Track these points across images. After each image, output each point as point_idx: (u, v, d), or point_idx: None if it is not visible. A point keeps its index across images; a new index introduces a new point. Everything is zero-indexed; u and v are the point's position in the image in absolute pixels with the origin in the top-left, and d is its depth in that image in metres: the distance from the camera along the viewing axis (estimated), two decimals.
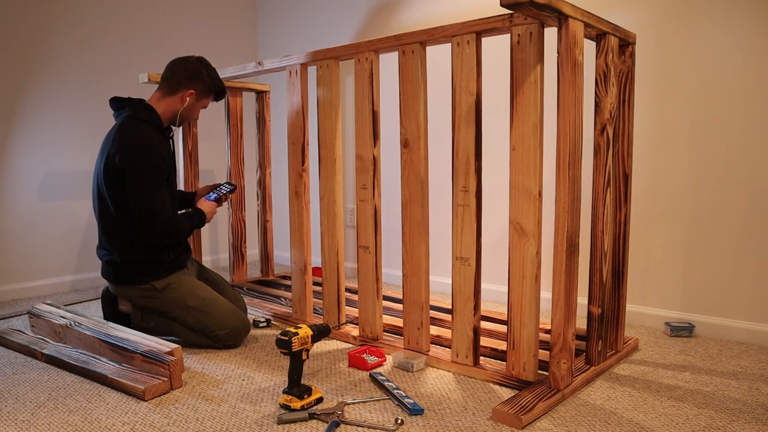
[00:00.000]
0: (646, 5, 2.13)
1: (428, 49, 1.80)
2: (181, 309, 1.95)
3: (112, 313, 2.09)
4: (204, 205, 2.11)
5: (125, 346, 1.74)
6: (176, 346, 1.70)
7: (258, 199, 2.95)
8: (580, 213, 1.53)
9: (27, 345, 1.94)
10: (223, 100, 2.86)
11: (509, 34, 1.55)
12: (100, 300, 2.65)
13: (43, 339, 2.00)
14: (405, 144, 1.81)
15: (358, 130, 1.93)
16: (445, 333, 1.99)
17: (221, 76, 2.42)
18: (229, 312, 1.99)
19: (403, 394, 1.55)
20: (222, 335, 1.95)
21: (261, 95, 2.91)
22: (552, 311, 1.52)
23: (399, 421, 1.41)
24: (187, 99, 2.04)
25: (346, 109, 3.14)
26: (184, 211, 2.14)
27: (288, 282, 2.86)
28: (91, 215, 2.96)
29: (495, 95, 2.50)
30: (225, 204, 3.28)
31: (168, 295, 1.96)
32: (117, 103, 2.03)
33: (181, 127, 2.60)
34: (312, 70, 3.15)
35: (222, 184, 2.25)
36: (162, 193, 1.93)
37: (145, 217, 1.89)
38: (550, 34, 2.23)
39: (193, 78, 2.04)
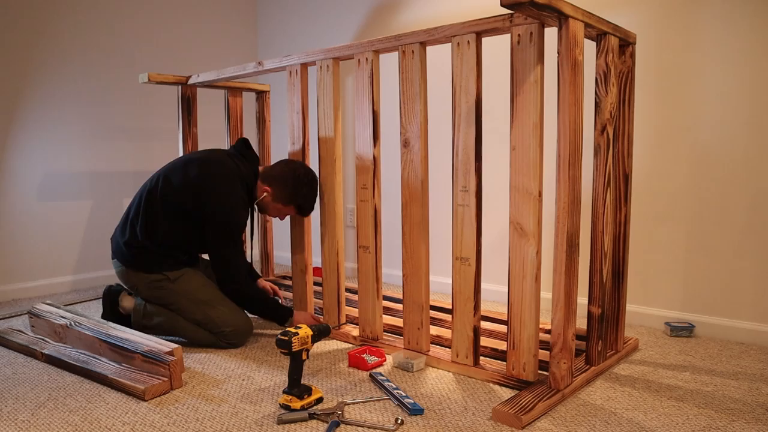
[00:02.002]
0: (646, 5, 2.13)
1: (428, 49, 1.79)
2: (190, 301, 1.97)
3: (111, 312, 2.09)
4: (301, 315, 2.07)
5: (125, 346, 1.74)
6: (176, 346, 1.70)
7: None
8: (580, 213, 1.53)
9: (27, 345, 1.94)
10: (223, 100, 2.85)
11: (509, 34, 1.55)
12: (100, 300, 2.66)
13: (43, 339, 2.00)
14: (405, 144, 1.81)
15: (358, 130, 1.93)
16: (445, 333, 1.99)
17: (221, 76, 2.42)
18: (236, 311, 2.01)
19: (403, 394, 1.55)
20: (227, 332, 1.96)
21: (261, 95, 2.91)
22: (552, 311, 1.52)
23: (399, 421, 1.41)
24: (264, 194, 2.05)
25: (346, 109, 3.13)
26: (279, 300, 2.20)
27: (288, 282, 2.86)
28: (91, 215, 2.96)
29: (495, 95, 2.50)
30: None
31: (179, 286, 1.98)
32: (244, 149, 2.10)
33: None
34: (312, 70, 3.15)
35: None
36: (236, 245, 1.98)
37: (217, 259, 1.96)
38: (550, 34, 2.23)
39: (280, 180, 2.02)
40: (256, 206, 2.11)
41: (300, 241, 2.17)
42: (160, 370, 1.64)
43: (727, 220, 2.03)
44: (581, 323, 2.18)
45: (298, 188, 2.02)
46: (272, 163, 2.10)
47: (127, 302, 2.08)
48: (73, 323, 1.94)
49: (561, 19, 1.43)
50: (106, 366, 1.73)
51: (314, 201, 2.08)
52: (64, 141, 2.84)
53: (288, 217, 2.23)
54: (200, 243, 2.02)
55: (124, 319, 2.08)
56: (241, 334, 1.98)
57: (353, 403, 1.53)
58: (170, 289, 1.98)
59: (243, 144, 2.12)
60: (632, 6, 2.16)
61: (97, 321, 1.97)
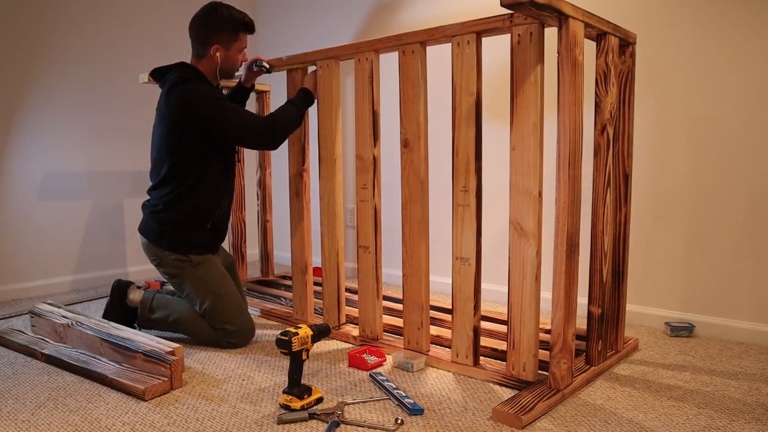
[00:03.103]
0: (646, 5, 2.13)
1: (428, 49, 1.80)
2: (204, 290, 1.96)
3: (119, 304, 2.10)
4: (306, 80, 2.06)
5: (127, 345, 1.74)
6: (177, 345, 1.70)
7: (258, 199, 2.95)
8: (580, 213, 1.53)
9: (27, 345, 1.94)
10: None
11: (509, 34, 1.55)
12: (100, 299, 2.66)
13: (43, 339, 2.00)
14: (405, 144, 1.81)
15: (358, 130, 1.93)
16: (445, 333, 1.99)
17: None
18: (242, 312, 2.00)
19: (403, 394, 1.55)
20: (229, 331, 1.96)
21: (261, 95, 2.91)
22: (552, 311, 1.52)
23: (399, 421, 1.41)
24: (217, 54, 1.97)
25: (346, 109, 3.13)
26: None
27: (288, 282, 2.86)
28: (91, 215, 2.96)
29: (495, 95, 2.50)
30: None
31: (199, 271, 1.98)
32: (159, 71, 2.02)
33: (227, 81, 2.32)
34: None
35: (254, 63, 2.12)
36: (238, 109, 1.91)
37: (244, 136, 1.90)
38: (550, 34, 2.23)
39: (210, 28, 1.95)
40: (222, 77, 2.03)
41: (300, 241, 2.17)
42: (161, 369, 1.64)
43: (726, 220, 2.03)
44: (581, 323, 2.18)
45: (228, 15, 1.96)
46: (191, 42, 2.03)
47: (135, 295, 2.10)
48: (74, 323, 1.94)
49: (561, 19, 1.43)
50: (106, 366, 1.73)
51: (241, 11, 2.01)
52: (64, 141, 2.84)
53: (288, 216, 2.23)
54: (222, 151, 1.98)
55: (127, 316, 2.09)
56: (243, 335, 1.98)
57: (353, 403, 1.54)
58: (189, 272, 1.97)
59: (158, 72, 2.05)
60: (632, 6, 2.16)
61: (99, 320, 1.97)
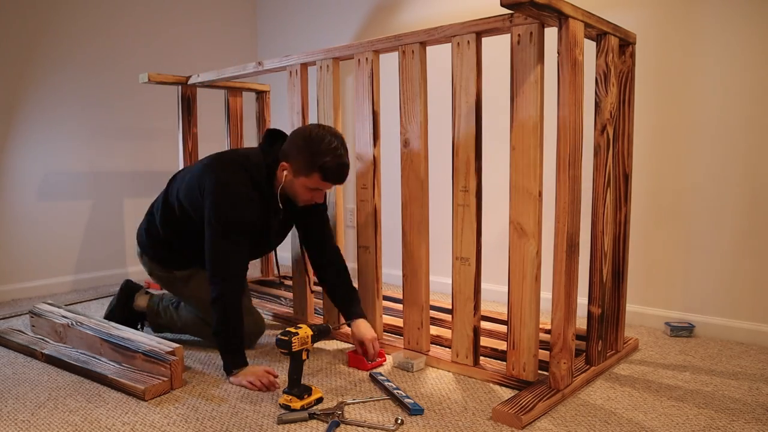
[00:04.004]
0: (646, 5, 2.13)
1: (428, 49, 1.79)
2: (201, 302, 1.91)
3: (125, 306, 2.09)
4: (251, 370, 1.67)
5: (127, 345, 1.74)
6: (177, 345, 1.70)
7: None
8: (580, 213, 1.53)
9: (27, 345, 1.94)
10: (223, 100, 2.85)
11: (509, 34, 1.55)
12: (100, 299, 2.66)
13: (43, 339, 2.00)
14: (405, 144, 1.81)
15: (358, 130, 1.93)
16: (445, 333, 1.99)
17: (221, 76, 2.41)
18: (248, 313, 1.94)
19: (403, 394, 1.55)
20: None
21: (261, 95, 2.91)
22: (552, 311, 1.52)
23: (399, 421, 1.41)
24: (284, 173, 1.74)
25: (346, 109, 3.13)
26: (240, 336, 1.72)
27: (288, 282, 2.86)
28: (91, 215, 2.96)
29: (495, 95, 2.50)
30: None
31: (189, 289, 1.95)
32: (270, 136, 1.84)
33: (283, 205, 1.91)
34: (312, 70, 3.14)
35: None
36: (228, 244, 1.70)
37: (208, 253, 1.72)
38: (550, 34, 2.23)
39: (291, 149, 1.72)
40: (282, 198, 1.80)
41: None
42: (161, 369, 1.64)
43: (727, 220, 2.03)
44: (581, 323, 2.18)
45: (314, 148, 1.66)
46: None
47: (142, 301, 2.10)
48: (74, 323, 1.94)
49: (561, 19, 1.43)
50: (106, 366, 1.73)
51: (341, 159, 1.67)
52: (64, 141, 2.84)
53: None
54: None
55: (130, 318, 2.09)
56: (251, 336, 1.96)
57: (353, 403, 1.53)
58: (181, 290, 1.97)
59: (268, 134, 1.84)
60: (632, 6, 2.16)
61: (99, 320, 1.97)
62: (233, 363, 1.68)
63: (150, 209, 2.03)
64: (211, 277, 1.70)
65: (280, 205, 1.81)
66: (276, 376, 1.66)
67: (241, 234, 1.72)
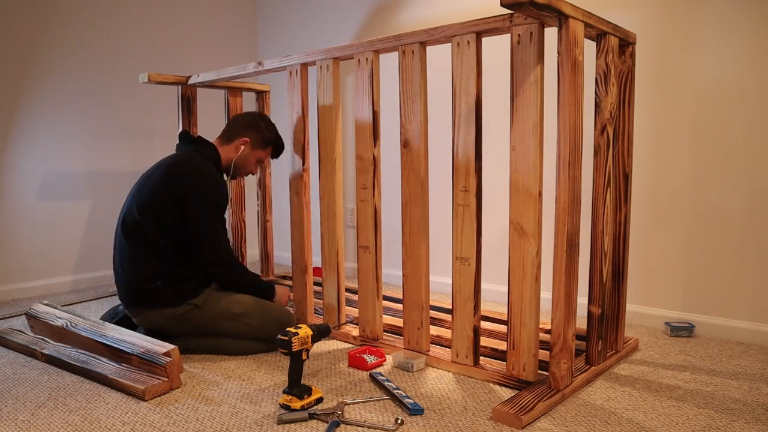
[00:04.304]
0: (646, 5, 2.13)
1: (428, 49, 1.79)
2: (228, 320, 1.87)
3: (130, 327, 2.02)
4: (282, 290, 2.06)
5: (121, 347, 1.73)
6: (173, 346, 1.70)
7: (258, 199, 2.95)
8: (580, 213, 1.53)
9: (27, 345, 1.94)
10: (223, 100, 2.85)
11: (509, 34, 1.55)
12: (100, 300, 2.66)
13: (43, 339, 2.00)
14: (405, 144, 1.81)
15: (358, 130, 1.93)
16: (445, 333, 1.99)
17: (221, 76, 2.42)
18: (273, 308, 1.93)
19: (403, 394, 1.55)
20: (276, 335, 1.81)
21: (261, 95, 2.91)
22: (552, 311, 1.52)
23: (399, 421, 1.41)
24: (242, 147, 2.07)
25: (346, 109, 3.13)
26: (261, 276, 2.04)
27: (288, 282, 2.86)
28: (91, 215, 2.96)
29: (495, 95, 2.50)
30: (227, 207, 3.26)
31: (208, 310, 1.87)
32: (187, 136, 2.06)
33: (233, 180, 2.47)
34: (312, 70, 3.15)
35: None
36: (223, 224, 1.94)
37: (206, 241, 1.88)
38: (550, 34, 2.23)
39: (249, 127, 2.08)
40: (232, 170, 2.09)
41: (300, 241, 2.17)
42: (156, 371, 1.64)
43: (727, 220, 2.03)
44: (581, 323, 2.18)
45: (270, 127, 2.11)
46: (224, 128, 2.13)
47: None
48: (69, 324, 1.93)
49: (561, 19, 1.43)
50: (106, 366, 1.73)
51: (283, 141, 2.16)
52: (64, 141, 2.84)
53: (288, 216, 2.23)
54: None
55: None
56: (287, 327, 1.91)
57: (353, 403, 1.53)
58: (201, 316, 1.87)
59: (183, 135, 2.06)
60: (632, 6, 2.16)
61: (94, 321, 1.95)
62: (269, 292, 2.00)
63: (121, 265, 1.90)
64: (213, 251, 1.90)
65: (226, 176, 2.10)
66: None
67: (223, 215, 1.97)
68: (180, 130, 2.16)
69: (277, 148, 2.15)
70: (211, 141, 2.07)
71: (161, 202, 1.88)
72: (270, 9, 3.55)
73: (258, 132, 2.09)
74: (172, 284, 1.86)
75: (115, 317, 2.09)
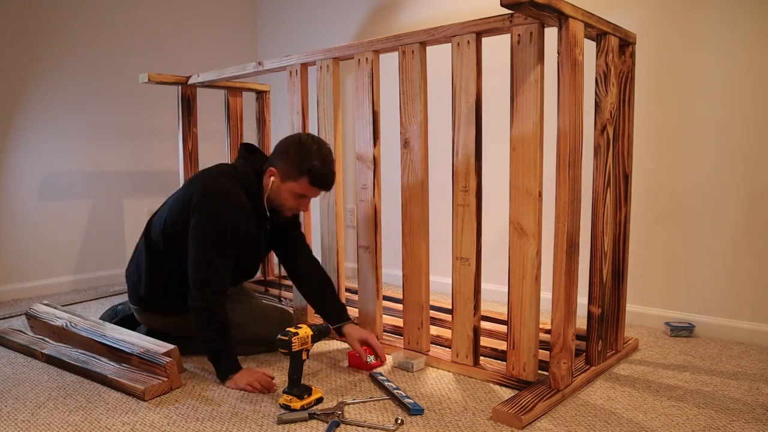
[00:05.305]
0: (646, 5, 2.13)
1: (428, 49, 1.79)
2: (232, 328, 1.72)
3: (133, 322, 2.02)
4: (245, 376, 1.64)
5: (121, 347, 1.73)
6: (172, 346, 1.69)
7: None
8: (580, 213, 1.53)
9: (27, 345, 1.94)
10: (223, 100, 2.85)
11: (509, 34, 1.55)
12: (100, 299, 2.66)
13: (43, 339, 2.00)
14: (405, 144, 1.81)
15: (358, 130, 1.93)
16: (445, 333, 1.99)
17: (221, 76, 2.41)
18: (274, 312, 1.89)
19: (403, 394, 1.55)
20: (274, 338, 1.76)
21: (261, 95, 2.91)
22: (552, 311, 1.52)
23: (399, 421, 1.41)
24: (271, 179, 1.73)
25: (346, 109, 3.13)
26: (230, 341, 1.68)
27: (288, 282, 2.85)
28: (91, 215, 2.96)
29: (495, 95, 2.50)
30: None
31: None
32: (246, 148, 1.84)
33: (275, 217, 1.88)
34: (312, 70, 3.14)
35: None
36: (223, 258, 1.67)
37: (193, 270, 1.67)
38: (550, 34, 2.23)
39: (280, 153, 1.73)
40: (269, 206, 1.78)
41: None
42: (156, 371, 1.64)
43: (727, 220, 2.03)
44: (581, 323, 2.18)
45: (303, 152, 1.68)
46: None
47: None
48: (68, 324, 1.93)
49: (561, 19, 1.43)
50: (105, 366, 1.73)
51: (330, 165, 1.71)
52: (64, 141, 2.84)
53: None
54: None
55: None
56: (284, 324, 1.85)
57: (353, 403, 1.53)
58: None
59: (243, 148, 1.84)
60: (632, 6, 2.16)
61: (94, 321, 1.96)
62: (228, 368, 1.66)
63: (137, 269, 1.87)
64: (198, 287, 1.65)
65: (267, 213, 1.78)
66: (272, 378, 1.66)
67: (231, 243, 1.68)
68: (242, 143, 1.87)
69: (315, 178, 1.69)
70: (265, 162, 1.79)
71: (173, 213, 1.76)
72: (270, 9, 3.55)
73: (287, 160, 1.70)
74: (174, 296, 1.79)
75: (114, 317, 2.09)
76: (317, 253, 2.06)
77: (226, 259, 1.68)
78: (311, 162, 1.68)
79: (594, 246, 1.68)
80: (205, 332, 1.66)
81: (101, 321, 1.98)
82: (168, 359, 1.64)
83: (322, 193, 1.90)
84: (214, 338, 1.65)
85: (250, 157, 1.82)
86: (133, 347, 1.72)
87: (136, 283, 1.87)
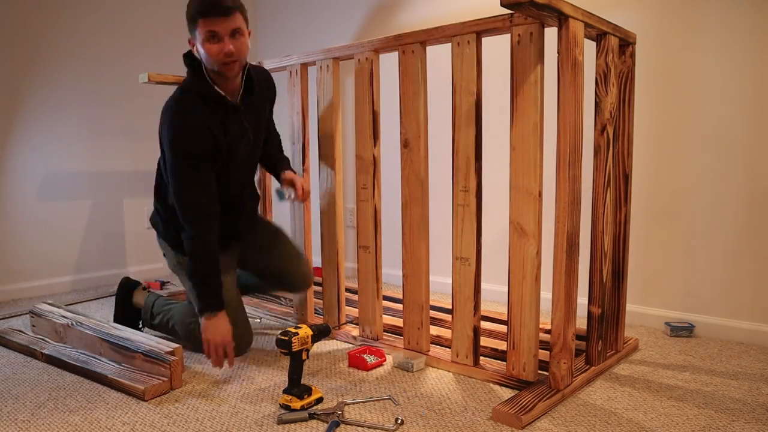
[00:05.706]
0: (646, 5, 2.13)
1: (428, 49, 1.79)
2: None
3: (124, 303, 2.10)
4: (215, 324, 1.68)
5: (126, 345, 1.74)
6: (177, 345, 1.70)
7: None
8: (580, 213, 1.53)
9: (27, 345, 1.94)
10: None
11: (509, 34, 1.55)
12: (100, 299, 2.66)
13: (43, 339, 2.00)
14: (405, 144, 1.81)
15: (358, 130, 1.93)
16: (445, 333, 1.99)
17: None
18: (239, 321, 1.83)
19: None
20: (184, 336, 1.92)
21: None
22: (552, 311, 1.52)
23: (399, 421, 1.41)
24: (195, 50, 1.74)
25: (346, 109, 3.13)
26: (217, 276, 1.71)
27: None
28: (91, 215, 2.96)
29: (495, 95, 2.50)
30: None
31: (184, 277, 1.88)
32: (186, 57, 1.82)
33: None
34: (312, 70, 3.14)
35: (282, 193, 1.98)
36: (196, 178, 1.68)
37: (175, 198, 1.71)
38: (550, 34, 2.23)
39: (188, 20, 1.71)
40: (214, 78, 1.77)
41: (299, 241, 2.17)
42: (160, 369, 1.64)
43: (727, 220, 2.03)
44: (581, 323, 2.18)
45: (186, 7, 1.69)
46: None
47: (139, 297, 2.10)
48: (74, 323, 1.94)
49: (561, 19, 1.43)
50: (106, 366, 1.73)
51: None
52: (64, 141, 2.84)
53: (288, 216, 2.22)
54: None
55: (131, 316, 2.10)
56: (237, 349, 1.80)
57: (353, 403, 1.53)
58: (185, 278, 1.87)
59: (184, 58, 1.82)
60: (632, 6, 2.16)
61: (99, 321, 1.97)
62: (209, 305, 1.69)
63: (156, 211, 1.97)
64: (185, 217, 1.70)
65: (227, 97, 1.76)
66: (232, 359, 1.70)
67: (201, 160, 1.68)
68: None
69: (199, 10, 1.64)
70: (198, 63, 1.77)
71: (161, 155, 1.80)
72: (270, 9, 3.55)
73: (188, 18, 1.70)
74: (169, 229, 1.87)
75: (128, 290, 2.13)
76: (317, 253, 2.06)
77: (203, 181, 1.69)
78: (191, 5, 1.67)
79: (594, 246, 1.69)
80: (194, 264, 1.70)
81: (105, 320, 1.99)
82: (173, 357, 1.64)
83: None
84: (201, 270, 1.70)
85: (190, 61, 1.81)
86: (138, 345, 1.73)
87: (159, 225, 1.94)
